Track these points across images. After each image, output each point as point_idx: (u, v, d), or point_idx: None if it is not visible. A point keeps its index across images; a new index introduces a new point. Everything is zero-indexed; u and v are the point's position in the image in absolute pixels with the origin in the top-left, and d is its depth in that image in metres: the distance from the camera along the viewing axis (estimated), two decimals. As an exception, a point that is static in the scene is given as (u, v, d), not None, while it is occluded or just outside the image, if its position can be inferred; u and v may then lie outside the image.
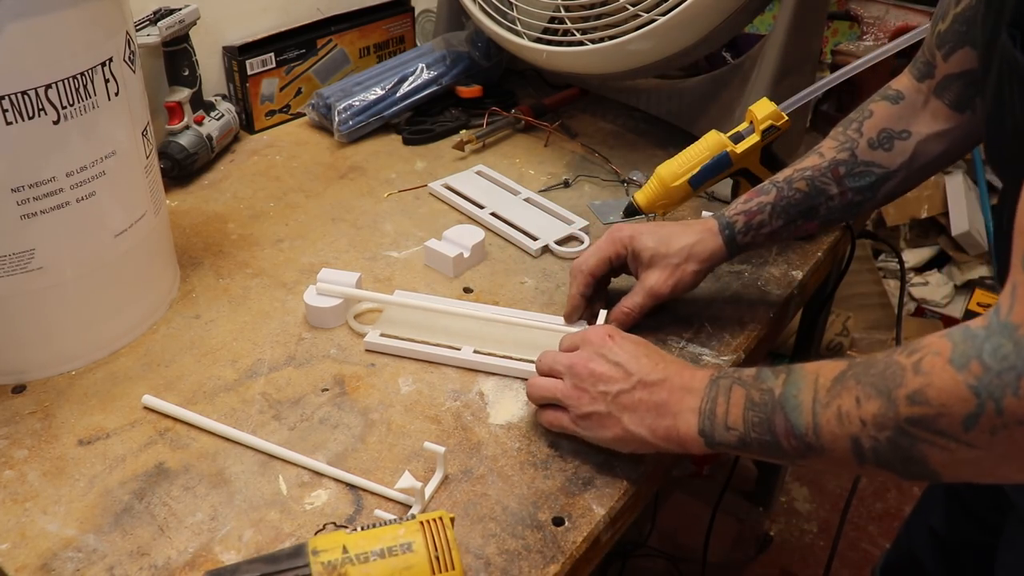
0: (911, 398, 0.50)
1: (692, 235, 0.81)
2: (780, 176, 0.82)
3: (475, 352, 0.80)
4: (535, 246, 0.95)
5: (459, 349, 0.80)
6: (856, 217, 0.88)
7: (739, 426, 0.59)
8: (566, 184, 1.09)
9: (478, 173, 1.10)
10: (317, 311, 0.83)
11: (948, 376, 0.48)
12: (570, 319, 0.83)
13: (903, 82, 0.79)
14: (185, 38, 1.09)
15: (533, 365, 0.77)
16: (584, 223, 1.00)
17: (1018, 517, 0.74)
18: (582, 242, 0.97)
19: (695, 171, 0.91)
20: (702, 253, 0.80)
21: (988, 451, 0.48)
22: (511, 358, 0.79)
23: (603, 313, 0.81)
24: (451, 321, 0.83)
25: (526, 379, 0.77)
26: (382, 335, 0.82)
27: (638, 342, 0.68)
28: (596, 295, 0.84)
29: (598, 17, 1.05)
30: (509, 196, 1.05)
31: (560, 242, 0.96)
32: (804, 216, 0.80)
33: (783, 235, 0.82)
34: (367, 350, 0.81)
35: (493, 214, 1.01)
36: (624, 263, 0.83)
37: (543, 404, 0.71)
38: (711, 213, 1.01)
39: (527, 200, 1.05)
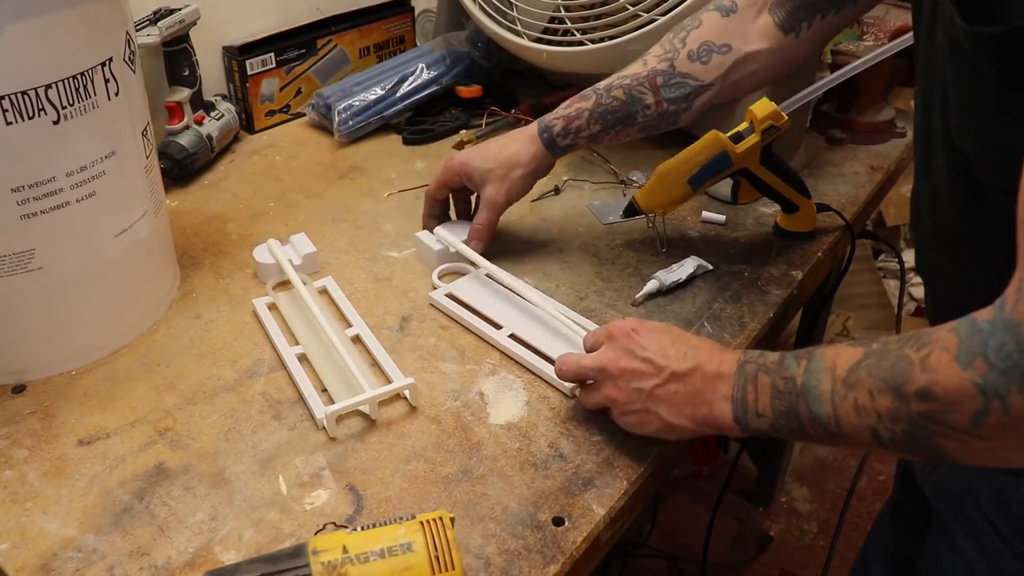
0: (920, 394, 0.50)
1: (513, 145, 0.89)
2: (602, 84, 0.87)
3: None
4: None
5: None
6: (673, 126, 0.89)
7: (768, 413, 0.60)
8: (556, 191, 1.08)
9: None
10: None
11: (954, 373, 0.49)
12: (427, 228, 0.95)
13: None
14: (185, 38, 1.09)
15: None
16: None
17: (937, 525, 0.75)
18: None
19: (695, 171, 0.91)
20: (524, 158, 0.88)
21: (1000, 442, 0.49)
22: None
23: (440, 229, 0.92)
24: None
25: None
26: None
27: (662, 330, 0.68)
28: (445, 215, 0.97)
29: (598, 17, 1.05)
30: (528, 309, 0.86)
31: None
32: (621, 123, 0.85)
33: (602, 139, 0.88)
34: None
35: (512, 336, 0.82)
36: (465, 187, 0.93)
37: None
38: (711, 213, 1.02)
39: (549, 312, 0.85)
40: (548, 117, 0.88)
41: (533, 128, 0.89)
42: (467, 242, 0.91)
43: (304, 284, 0.85)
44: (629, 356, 0.66)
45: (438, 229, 0.94)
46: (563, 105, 0.88)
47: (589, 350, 0.71)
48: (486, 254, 0.91)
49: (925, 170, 0.65)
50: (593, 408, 0.71)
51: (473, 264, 0.91)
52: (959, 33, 0.51)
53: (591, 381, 0.70)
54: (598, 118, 0.86)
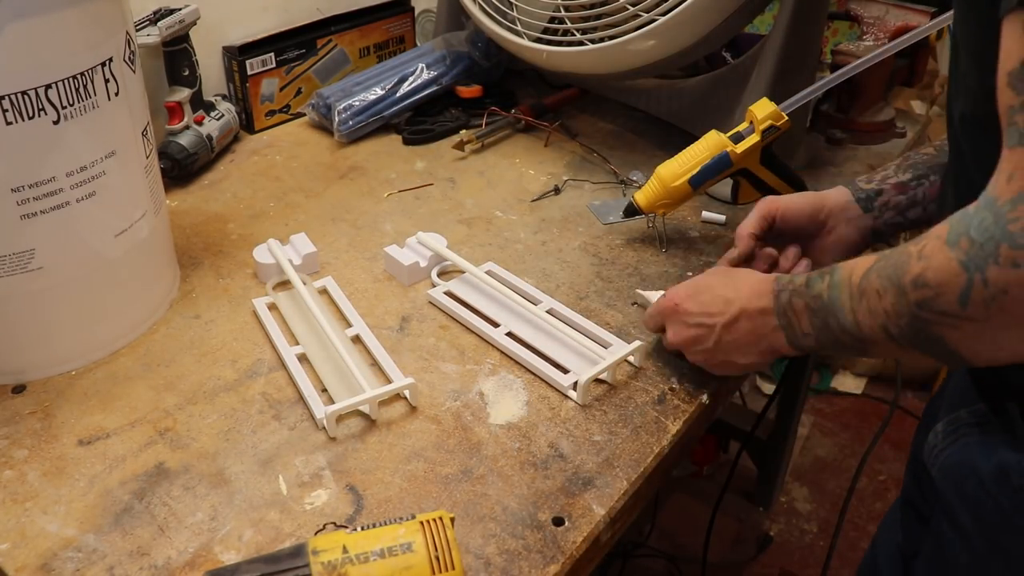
0: (915, 283, 0.53)
1: (830, 201, 0.84)
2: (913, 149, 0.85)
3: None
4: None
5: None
6: None
7: (811, 331, 0.64)
8: (556, 191, 1.08)
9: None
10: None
11: (943, 256, 0.51)
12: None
13: None
14: (185, 38, 1.09)
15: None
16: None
17: (941, 506, 0.75)
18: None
19: (695, 171, 0.91)
20: (827, 196, 0.84)
21: (988, 322, 0.50)
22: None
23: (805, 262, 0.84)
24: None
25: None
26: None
27: (701, 288, 0.73)
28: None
29: (598, 17, 1.05)
30: (527, 308, 0.84)
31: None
32: (935, 172, 0.80)
33: (913, 189, 0.81)
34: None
35: (509, 334, 0.83)
36: (777, 228, 0.84)
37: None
38: (711, 213, 1.02)
39: (551, 312, 0.85)
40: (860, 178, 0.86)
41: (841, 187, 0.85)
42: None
43: (304, 284, 0.85)
44: (683, 328, 0.73)
45: (420, 234, 0.93)
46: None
47: (653, 329, 0.78)
48: (471, 259, 0.91)
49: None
50: (673, 347, 0.76)
51: (460, 270, 0.90)
52: None
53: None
54: (908, 168, 0.82)
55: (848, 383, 2.07)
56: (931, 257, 0.52)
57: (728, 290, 0.71)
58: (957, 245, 0.50)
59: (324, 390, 0.76)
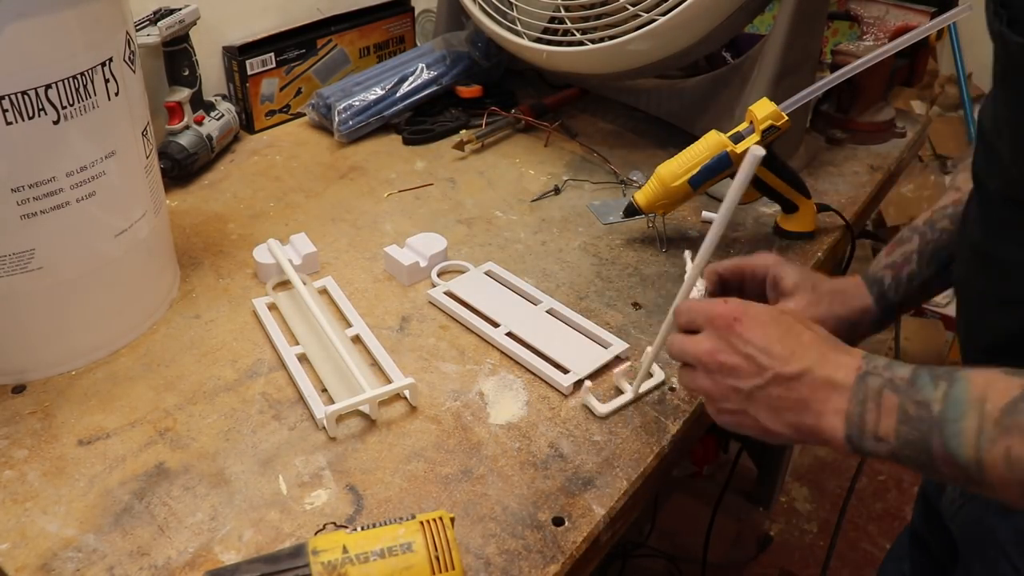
0: None
1: (841, 282, 0.76)
2: (919, 221, 0.75)
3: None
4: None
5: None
6: None
7: (891, 439, 0.51)
8: (556, 191, 1.08)
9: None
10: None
11: None
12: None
13: None
14: (185, 38, 1.09)
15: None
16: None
17: (963, 567, 0.71)
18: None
19: (695, 171, 0.91)
20: (849, 301, 0.74)
21: None
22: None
23: (700, 283, 0.74)
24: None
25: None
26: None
27: (768, 322, 0.58)
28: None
29: (598, 17, 1.05)
30: (527, 308, 0.86)
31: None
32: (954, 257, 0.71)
33: (939, 284, 0.74)
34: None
35: (509, 334, 0.83)
36: (760, 287, 0.75)
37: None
38: (711, 213, 1.02)
39: (551, 312, 0.86)
40: (873, 270, 0.76)
41: (859, 278, 0.77)
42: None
43: (304, 284, 0.85)
44: (729, 350, 0.58)
45: (410, 240, 0.93)
46: (883, 254, 0.76)
47: (683, 327, 0.62)
48: (471, 259, 0.91)
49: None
50: (692, 393, 0.65)
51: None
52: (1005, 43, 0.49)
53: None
54: (929, 258, 0.73)
55: (848, 383, 2.06)
56: None
57: (794, 340, 0.57)
58: None
59: (324, 390, 0.76)
